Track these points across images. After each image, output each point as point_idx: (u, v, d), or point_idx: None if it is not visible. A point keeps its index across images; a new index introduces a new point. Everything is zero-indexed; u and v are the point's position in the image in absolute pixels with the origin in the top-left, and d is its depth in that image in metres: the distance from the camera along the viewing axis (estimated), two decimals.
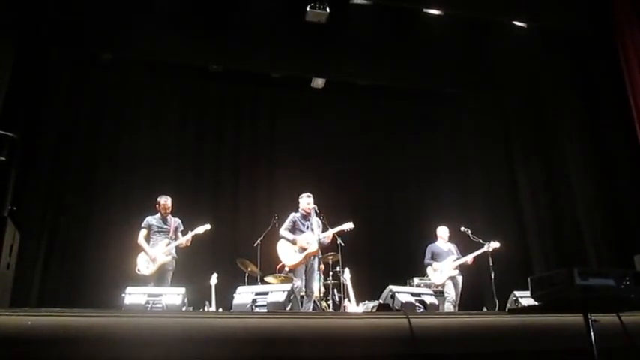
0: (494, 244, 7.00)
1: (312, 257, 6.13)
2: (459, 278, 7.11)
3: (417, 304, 5.28)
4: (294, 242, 6.11)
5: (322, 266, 6.95)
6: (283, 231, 6.21)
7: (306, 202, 6.28)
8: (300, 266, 6.07)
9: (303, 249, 6.06)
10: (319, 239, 6.10)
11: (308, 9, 7.15)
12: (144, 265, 6.11)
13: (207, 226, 6.34)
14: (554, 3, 7.42)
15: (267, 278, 6.86)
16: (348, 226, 6.25)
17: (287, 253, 6.13)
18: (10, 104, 5.98)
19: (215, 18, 7.54)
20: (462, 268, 7.15)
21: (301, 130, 9.25)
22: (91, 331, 2.96)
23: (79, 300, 6.80)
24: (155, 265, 6.08)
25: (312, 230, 6.18)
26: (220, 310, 6.60)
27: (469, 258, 7.04)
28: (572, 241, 7.73)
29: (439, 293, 6.92)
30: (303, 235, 6.13)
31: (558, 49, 8.05)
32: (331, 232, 6.23)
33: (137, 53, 7.97)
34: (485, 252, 7.03)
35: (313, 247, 6.05)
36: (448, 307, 6.85)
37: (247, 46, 7.85)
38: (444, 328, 3.54)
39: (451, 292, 6.96)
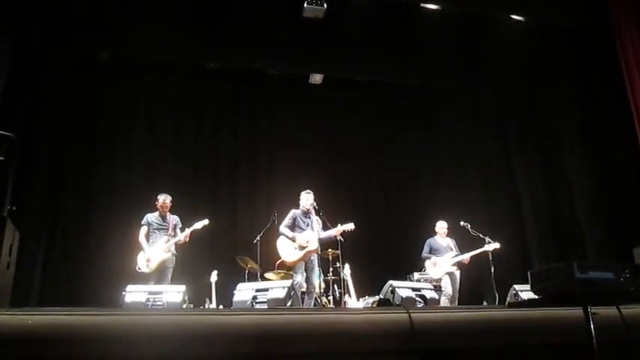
0: (495, 245, 6.99)
1: (311, 255, 6.10)
2: (457, 273, 7.11)
3: (418, 298, 5.31)
4: (293, 240, 6.05)
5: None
6: (283, 228, 6.14)
7: (306, 198, 6.23)
8: (300, 263, 6.02)
9: (302, 247, 6.00)
10: (319, 238, 6.07)
11: (305, 5, 7.13)
12: (144, 263, 6.11)
13: (206, 221, 6.32)
14: None
15: (268, 275, 6.88)
16: (349, 226, 6.18)
17: (286, 249, 6.07)
18: (8, 104, 5.96)
19: (212, 15, 7.52)
20: (460, 264, 7.16)
21: (300, 126, 9.25)
22: (91, 330, 2.96)
23: (80, 299, 6.83)
24: (155, 262, 6.08)
25: (312, 228, 6.14)
26: (221, 307, 6.61)
27: (466, 257, 7.03)
28: (571, 235, 7.75)
29: (438, 288, 6.94)
30: (303, 234, 6.07)
31: (557, 44, 8.03)
32: (331, 232, 6.19)
33: (134, 52, 7.94)
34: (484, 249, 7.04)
35: (313, 245, 5.99)
36: (444, 301, 6.85)
37: (244, 44, 7.82)
38: (444, 322, 3.54)
39: (448, 287, 6.95)
